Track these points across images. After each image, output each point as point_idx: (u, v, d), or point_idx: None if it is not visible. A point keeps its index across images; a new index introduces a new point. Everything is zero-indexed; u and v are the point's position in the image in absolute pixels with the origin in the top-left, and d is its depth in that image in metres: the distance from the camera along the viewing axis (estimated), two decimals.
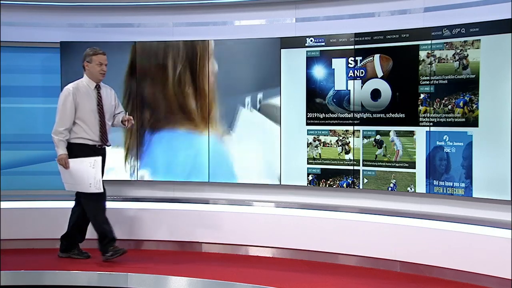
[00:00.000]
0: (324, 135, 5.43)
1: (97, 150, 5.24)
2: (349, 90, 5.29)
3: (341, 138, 5.36)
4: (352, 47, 5.27)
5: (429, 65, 4.90)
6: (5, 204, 5.60)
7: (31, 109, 6.14)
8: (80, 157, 5.15)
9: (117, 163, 5.87)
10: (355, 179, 5.31)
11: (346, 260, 5.35)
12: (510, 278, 4.40)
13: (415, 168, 5.02)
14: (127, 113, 5.45)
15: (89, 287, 4.98)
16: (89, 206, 5.23)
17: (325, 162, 5.44)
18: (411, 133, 5.03)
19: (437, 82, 4.87)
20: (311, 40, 5.43)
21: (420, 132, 4.98)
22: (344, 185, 5.37)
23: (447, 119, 4.82)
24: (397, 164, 5.11)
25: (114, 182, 5.71)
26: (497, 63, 4.56)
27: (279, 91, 5.54)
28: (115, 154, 5.79)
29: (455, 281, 4.77)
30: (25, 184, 6.10)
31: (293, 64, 5.51)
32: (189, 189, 5.94)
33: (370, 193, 5.31)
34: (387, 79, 5.12)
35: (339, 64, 5.33)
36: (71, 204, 5.53)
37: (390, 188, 5.16)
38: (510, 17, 4.48)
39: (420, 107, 4.97)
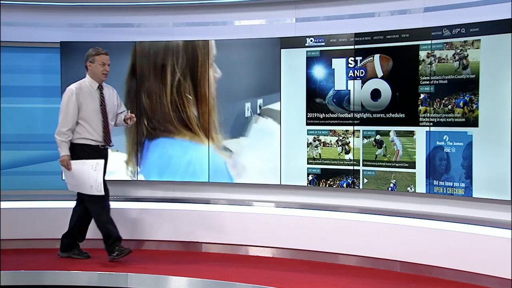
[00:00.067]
0: (324, 135, 5.43)
1: (100, 151, 5.24)
2: (349, 90, 5.29)
3: (341, 138, 5.36)
4: (352, 47, 5.27)
5: (429, 65, 4.90)
6: (5, 204, 5.60)
7: (31, 109, 6.14)
8: (83, 158, 5.15)
9: (118, 166, 5.86)
10: (355, 179, 5.31)
11: (346, 260, 5.35)
12: (510, 278, 4.40)
13: (415, 168, 5.02)
14: (129, 111, 5.45)
15: (89, 287, 4.98)
16: (93, 207, 5.23)
17: (325, 162, 5.44)
18: (411, 133, 5.03)
19: (437, 82, 4.87)
20: (311, 40, 5.43)
21: (420, 132, 4.98)
22: (344, 185, 5.37)
23: (447, 119, 4.82)
24: (397, 164, 5.11)
25: (114, 182, 5.71)
26: (497, 63, 4.56)
27: (279, 92, 5.54)
28: (116, 157, 5.79)
29: (455, 281, 4.77)
30: (25, 184, 6.10)
31: (293, 64, 5.51)
32: (189, 189, 5.94)
33: (370, 193, 5.31)
34: (387, 79, 5.12)
35: (339, 64, 5.33)
36: (71, 204, 5.53)
37: (390, 188, 5.16)
38: (510, 17, 4.48)
39: (420, 107, 4.97)
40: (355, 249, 5.29)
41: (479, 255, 4.63)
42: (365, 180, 5.27)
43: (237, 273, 5.04)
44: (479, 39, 4.63)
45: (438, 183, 4.90)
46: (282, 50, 5.53)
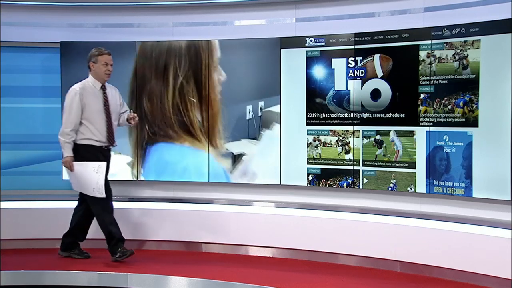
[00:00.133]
0: (324, 135, 5.43)
1: (103, 152, 5.24)
2: (349, 90, 5.29)
3: (341, 138, 5.36)
4: (352, 47, 5.27)
5: (429, 65, 4.90)
6: (5, 204, 5.60)
7: (31, 109, 6.14)
8: (87, 158, 5.14)
9: (120, 168, 5.87)
10: (355, 179, 5.31)
11: (346, 260, 5.35)
12: (510, 278, 4.40)
13: (415, 168, 5.02)
14: (131, 110, 5.45)
15: (89, 287, 4.98)
16: (96, 208, 5.22)
17: (325, 162, 5.44)
18: (411, 133, 5.03)
19: (437, 82, 4.87)
20: (311, 40, 5.43)
21: (420, 132, 4.98)
22: (344, 185, 5.37)
23: (447, 119, 4.82)
24: (397, 164, 5.11)
25: (114, 182, 5.69)
26: (497, 63, 4.56)
27: (279, 92, 5.54)
28: (118, 159, 5.80)
29: (455, 281, 4.77)
30: (25, 184, 6.09)
31: (293, 64, 5.51)
32: (189, 189, 5.94)
33: (370, 193, 5.31)
34: (387, 79, 5.12)
35: (339, 64, 5.33)
36: (71, 204, 5.54)
37: (390, 188, 5.16)
38: (510, 17, 4.48)
39: (420, 107, 4.97)
40: (355, 249, 5.29)
41: (479, 255, 4.63)
42: (365, 180, 5.27)
43: (237, 273, 5.04)
44: (479, 39, 4.63)
45: (438, 183, 4.90)
46: (282, 50, 5.53)
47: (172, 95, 5.79)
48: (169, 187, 5.96)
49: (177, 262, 5.40)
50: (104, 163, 5.15)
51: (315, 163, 5.47)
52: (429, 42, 4.89)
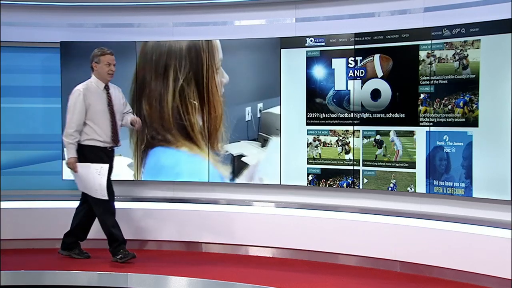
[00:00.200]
0: (324, 135, 5.43)
1: (107, 152, 5.23)
2: (349, 90, 5.29)
3: (341, 138, 5.36)
4: (352, 47, 5.27)
5: (429, 65, 4.90)
6: (5, 204, 5.60)
7: (31, 109, 6.14)
8: (91, 159, 5.13)
9: (121, 170, 5.87)
10: (355, 179, 5.31)
11: (346, 260, 5.35)
12: (510, 278, 4.40)
13: (415, 168, 5.02)
14: (134, 113, 5.44)
15: (89, 287, 4.98)
16: (98, 209, 5.22)
17: (325, 162, 5.44)
18: (411, 133, 5.03)
19: (437, 82, 4.87)
20: (311, 40, 5.43)
21: (420, 132, 4.98)
22: (344, 185, 5.37)
23: (447, 119, 4.82)
24: (397, 164, 5.11)
25: (114, 182, 5.69)
26: (497, 63, 4.56)
27: (279, 93, 5.54)
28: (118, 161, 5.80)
29: (455, 281, 4.77)
30: (25, 184, 6.09)
31: (293, 64, 5.51)
32: (189, 189, 5.94)
33: (370, 193, 5.30)
34: (387, 79, 5.12)
35: (339, 64, 5.33)
36: (71, 204, 5.54)
37: (390, 188, 5.16)
38: (510, 17, 4.48)
39: (420, 107, 4.96)
40: (355, 249, 5.29)
41: (479, 255, 4.63)
42: (365, 180, 5.27)
43: (237, 273, 5.04)
44: (479, 39, 4.63)
45: (438, 183, 4.90)
46: (282, 50, 5.53)
47: (172, 98, 5.78)
48: (169, 187, 5.96)
49: (177, 262, 5.40)
50: (107, 165, 5.15)
51: (315, 163, 5.47)
52: (429, 42, 4.89)
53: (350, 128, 5.31)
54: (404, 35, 5.03)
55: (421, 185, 4.99)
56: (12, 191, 5.92)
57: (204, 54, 5.71)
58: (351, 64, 5.28)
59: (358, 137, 5.28)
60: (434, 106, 4.88)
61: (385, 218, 5.18)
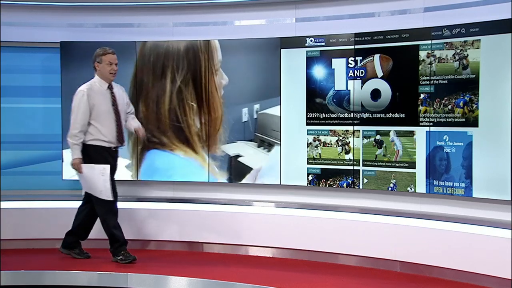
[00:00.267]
0: (324, 135, 5.43)
1: (112, 153, 5.23)
2: (349, 90, 5.29)
3: (341, 138, 5.36)
4: (352, 47, 5.27)
5: (429, 65, 4.90)
6: (5, 204, 5.60)
7: (31, 109, 6.14)
8: (96, 159, 5.12)
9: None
10: (355, 179, 5.31)
11: (346, 260, 5.35)
12: (510, 278, 4.40)
13: (415, 168, 5.02)
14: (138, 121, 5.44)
15: (89, 287, 4.98)
16: (101, 210, 5.21)
17: (325, 162, 5.44)
18: (411, 133, 5.03)
19: (437, 82, 4.87)
20: (311, 40, 5.43)
21: (420, 132, 4.98)
22: (344, 185, 5.37)
23: (447, 119, 4.82)
24: (397, 164, 5.11)
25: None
26: (497, 63, 4.56)
27: (279, 93, 5.54)
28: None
29: (455, 281, 4.77)
30: (25, 184, 6.10)
31: (293, 64, 5.50)
32: (189, 189, 5.94)
33: (370, 193, 5.30)
34: (387, 79, 5.12)
35: (339, 64, 5.33)
36: (71, 204, 5.55)
37: (390, 188, 5.16)
38: (510, 17, 4.48)
39: (420, 107, 4.96)
40: (355, 249, 5.29)
41: (479, 255, 4.63)
42: (365, 180, 5.27)
43: (237, 273, 5.04)
44: (479, 39, 4.63)
45: (438, 183, 4.90)
46: (282, 50, 5.53)
47: (169, 99, 5.77)
48: (169, 187, 5.96)
49: (177, 262, 5.40)
50: (108, 166, 5.13)
51: (315, 163, 5.47)
52: (429, 42, 4.89)
53: (350, 128, 5.31)
54: (404, 35, 5.03)
55: (421, 185, 4.99)
56: (12, 191, 5.92)
57: (203, 55, 5.71)
58: (351, 64, 5.28)
59: (358, 137, 5.28)
60: (434, 106, 4.88)
61: (385, 218, 5.18)
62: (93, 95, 5.16)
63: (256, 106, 5.62)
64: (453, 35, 4.76)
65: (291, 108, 5.53)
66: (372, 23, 5.27)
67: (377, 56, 5.16)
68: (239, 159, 5.70)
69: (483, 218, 4.71)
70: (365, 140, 5.26)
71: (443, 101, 4.83)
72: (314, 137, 5.46)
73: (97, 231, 5.37)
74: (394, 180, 5.12)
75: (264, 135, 5.62)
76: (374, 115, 5.19)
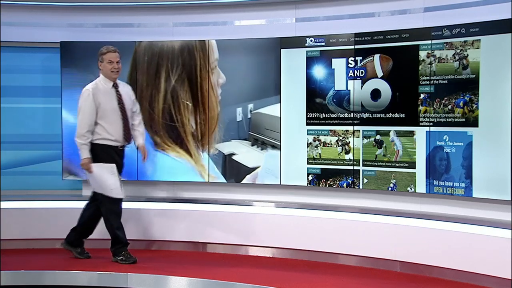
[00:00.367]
0: (324, 135, 5.43)
1: (118, 151, 5.23)
2: (349, 90, 5.29)
3: (341, 138, 5.36)
4: (352, 47, 5.27)
5: (429, 65, 4.90)
6: (5, 204, 5.59)
7: (31, 109, 6.15)
8: (103, 158, 5.12)
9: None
10: (355, 179, 5.31)
11: (346, 260, 5.35)
12: (510, 278, 4.40)
13: (415, 168, 5.02)
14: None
15: (89, 287, 4.98)
16: (106, 209, 5.20)
17: (325, 162, 5.44)
18: (411, 133, 5.03)
19: (437, 82, 4.87)
20: (311, 40, 5.43)
21: (420, 132, 4.98)
22: (344, 185, 5.37)
23: (447, 119, 4.82)
24: (397, 164, 5.11)
25: None
26: (497, 63, 4.56)
27: (278, 93, 5.54)
28: None
29: (455, 281, 4.77)
30: (25, 184, 6.10)
31: (293, 64, 5.51)
32: (189, 189, 5.94)
33: (370, 193, 5.31)
34: (387, 79, 5.12)
35: (339, 64, 5.33)
36: (71, 204, 5.56)
37: (390, 188, 5.16)
38: (510, 17, 4.48)
39: (420, 107, 4.96)
40: (355, 249, 5.29)
41: (479, 255, 4.63)
42: (365, 180, 5.27)
43: (237, 273, 5.04)
44: (479, 39, 4.63)
45: (438, 183, 4.90)
46: (282, 50, 5.53)
47: (163, 99, 5.77)
48: (169, 187, 5.96)
49: (177, 262, 5.40)
50: (114, 164, 5.13)
51: (315, 163, 5.47)
52: (429, 42, 4.89)
53: (350, 128, 5.31)
54: (404, 35, 5.03)
55: (421, 185, 4.99)
56: (12, 191, 5.93)
57: (198, 54, 5.71)
58: (351, 64, 5.28)
59: (358, 137, 5.28)
60: (434, 106, 4.88)
61: (385, 218, 5.17)
62: (99, 94, 5.15)
63: (250, 106, 5.63)
64: (453, 35, 4.76)
65: (291, 108, 5.53)
66: (372, 23, 5.27)
67: (377, 56, 5.16)
68: (233, 157, 5.71)
69: (483, 218, 4.71)
70: (365, 140, 5.26)
71: (443, 101, 4.83)
72: (314, 137, 5.46)
73: (97, 231, 5.37)
74: (394, 180, 5.12)
75: (258, 134, 5.63)
76: (374, 115, 5.19)
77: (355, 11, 5.38)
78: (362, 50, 5.23)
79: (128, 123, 5.25)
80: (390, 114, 5.12)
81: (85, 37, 5.90)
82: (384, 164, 5.17)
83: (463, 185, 4.75)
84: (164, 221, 5.87)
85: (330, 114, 5.39)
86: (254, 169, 5.67)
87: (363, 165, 5.27)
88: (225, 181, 5.77)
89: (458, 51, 4.74)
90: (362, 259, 5.28)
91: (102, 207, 5.22)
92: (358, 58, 5.24)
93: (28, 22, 5.99)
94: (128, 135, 5.25)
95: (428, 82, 4.91)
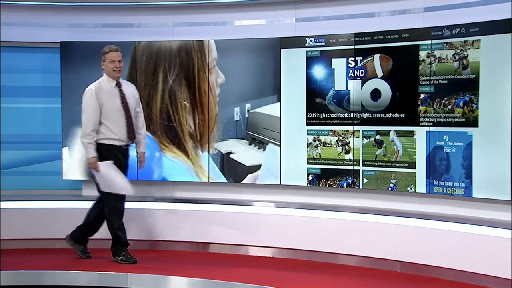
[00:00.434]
0: (324, 135, 5.43)
1: (123, 151, 5.22)
2: (349, 90, 5.29)
3: (341, 138, 5.36)
4: (352, 47, 5.27)
5: (429, 65, 4.90)
6: (5, 204, 5.59)
7: (31, 109, 6.15)
8: (107, 157, 5.11)
9: None
10: (355, 179, 5.31)
11: (346, 260, 5.35)
12: (510, 278, 4.40)
13: (415, 168, 5.02)
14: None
15: (89, 287, 4.98)
16: (109, 208, 5.20)
17: (325, 162, 5.44)
18: (411, 133, 5.03)
19: (437, 82, 4.87)
20: (311, 40, 5.43)
21: (420, 132, 4.98)
22: (344, 185, 5.37)
23: (447, 119, 4.82)
24: (397, 164, 5.11)
25: None
26: (497, 63, 4.56)
27: (275, 93, 5.54)
28: None
29: (455, 281, 4.77)
30: (25, 184, 6.10)
31: (293, 64, 5.51)
32: (189, 189, 5.94)
33: (370, 193, 5.31)
34: (387, 79, 5.12)
35: (339, 64, 5.33)
36: (71, 204, 5.54)
37: (390, 188, 5.16)
38: (510, 17, 4.48)
39: (420, 107, 4.96)
40: (355, 249, 5.29)
41: (479, 255, 4.63)
42: (365, 180, 5.27)
43: (237, 273, 5.04)
44: (479, 39, 4.63)
45: (438, 183, 4.90)
46: (282, 50, 5.53)
47: (161, 99, 5.77)
48: (169, 187, 5.96)
49: (177, 262, 5.40)
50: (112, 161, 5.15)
51: (315, 163, 5.47)
52: (429, 42, 4.89)
53: (350, 128, 5.31)
54: (404, 35, 5.03)
55: (421, 185, 4.99)
56: (12, 191, 5.93)
57: (195, 55, 5.70)
58: (351, 64, 5.28)
59: (358, 137, 5.28)
60: (434, 106, 4.88)
61: (385, 218, 5.17)
62: (102, 94, 5.14)
63: (248, 105, 5.64)
64: (453, 35, 4.76)
65: (291, 108, 5.53)
66: (372, 23, 5.27)
67: (377, 56, 5.16)
68: (231, 155, 5.71)
69: (483, 218, 4.71)
70: (365, 140, 5.26)
71: (443, 101, 4.83)
72: (314, 137, 5.46)
73: (99, 232, 5.37)
74: (394, 180, 5.12)
75: (255, 133, 5.63)
76: (374, 115, 5.19)
77: (355, 11, 5.38)
78: (362, 50, 5.23)
79: (132, 122, 5.24)
80: (390, 114, 5.12)
81: (85, 37, 5.90)
82: (384, 164, 5.17)
83: (463, 185, 4.75)
84: (163, 221, 5.87)
85: (330, 114, 5.39)
86: (253, 168, 5.67)
87: (363, 165, 5.27)
88: (225, 181, 5.77)
89: (458, 51, 4.74)
90: (362, 259, 5.28)
91: (106, 206, 5.22)
92: (358, 58, 5.24)
93: (28, 22, 5.99)
94: (132, 135, 5.24)
95: (428, 82, 4.91)
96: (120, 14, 5.98)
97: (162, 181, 5.92)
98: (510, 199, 4.51)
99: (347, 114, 5.31)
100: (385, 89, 5.13)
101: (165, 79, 5.75)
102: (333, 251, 5.39)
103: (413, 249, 5.00)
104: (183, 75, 5.73)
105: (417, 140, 5.00)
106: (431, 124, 4.91)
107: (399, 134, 5.09)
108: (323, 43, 5.38)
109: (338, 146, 5.38)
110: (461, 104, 4.74)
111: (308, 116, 5.47)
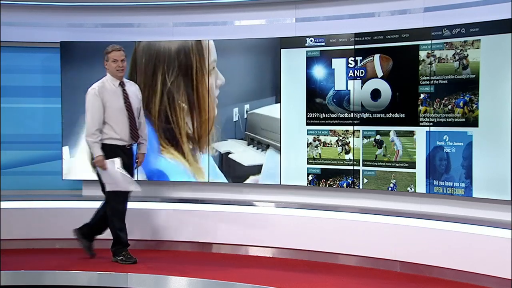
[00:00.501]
0: (324, 135, 5.43)
1: (126, 151, 5.22)
2: (349, 90, 5.29)
3: (341, 138, 5.36)
4: (352, 47, 5.27)
5: (429, 65, 4.90)
6: (5, 204, 5.59)
7: (31, 109, 6.15)
8: (110, 157, 5.10)
9: None
10: (355, 179, 5.31)
11: (346, 260, 5.35)
12: (510, 278, 4.40)
13: (415, 168, 5.02)
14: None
15: (89, 287, 4.98)
16: (111, 207, 5.20)
17: (325, 162, 5.44)
18: (411, 133, 5.03)
19: (437, 82, 4.87)
20: (311, 40, 5.43)
21: (420, 132, 4.98)
22: (344, 185, 5.37)
23: (447, 119, 4.82)
24: (397, 164, 5.11)
25: None
26: (497, 63, 4.56)
27: (274, 94, 5.54)
28: None
29: (455, 281, 4.77)
30: (25, 184, 6.10)
31: (293, 64, 5.51)
32: (189, 189, 5.94)
33: (370, 193, 5.31)
34: (387, 79, 5.12)
35: (339, 64, 5.33)
36: (71, 204, 5.54)
37: (390, 188, 5.16)
38: (510, 17, 4.48)
39: (420, 107, 4.96)
40: (355, 249, 5.29)
41: (479, 255, 4.63)
42: (365, 180, 5.27)
43: (237, 273, 5.04)
44: (479, 39, 4.63)
45: (438, 183, 4.90)
46: (282, 50, 5.53)
47: (160, 101, 5.77)
48: (169, 187, 5.96)
49: (177, 262, 5.39)
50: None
51: (315, 163, 5.47)
52: (429, 42, 4.89)
53: (350, 128, 5.31)
54: (404, 35, 5.03)
55: (421, 185, 4.99)
56: (12, 191, 5.93)
57: (194, 57, 5.70)
58: (351, 64, 5.28)
59: (358, 137, 5.28)
60: (434, 106, 4.89)
61: (385, 218, 5.17)
62: (105, 93, 5.14)
63: (246, 106, 5.64)
64: (453, 35, 4.76)
65: (291, 108, 5.53)
66: (372, 23, 5.28)
67: (377, 56, 5.16)
68: (230, 155, 5.71)
69: (483, 218, 4.71)
70: (365, 140, 5.26)
71: (443, 101, 4.83)
72: (314, 137, 5.46)
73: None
74: (394, 180, 5.12)
75: (254, 134, 5.63)
76: (374, 115, 5.19)
77: (355, 11, 5.38)
78: (362, 50, 5.23)
79: (135, 122, 5.24)
80: (390, 114, 5.12)
81: (85, 37, 5.90)
82: (384, 164, 5.17)
83: (463, 185, 4.75)
84: (163, 221, 5.87)
85: (330, 114, 5.39)
86: (253, 169, 5.67)
87: (363, 165, 5.27)
88: (225, 180, 5.77)
89: (458, 51, 4.74)
90: (362, 259, 5.28)
91: (108, 206, 5.22)
92: (358, 58, 5.24)
93: (28, 22, 5.99)
94: (135, 134, 5.23)
95: (428, 82, 4.91)
96: (120, 14, 5.98)
97: (162, 181, 5.92)
98: (510, 199, 4.51)
99: (347, 114, 5.32)
100: (385, 89, 5.13)
101: (164, 81, 5.74)
102: (333, 251, 5.39)
103: (413, 249, 5.00)
104: (182, 77, 5.73)
105: (417, 140, 5.00)
106: (431, 124, 4.91)
107: (399, 134, 5.09)
108: (323, 43, 5.38)
109: (338, 146, 5.38)
110: (461, 104, 4.74)
111: (308, 116, 5.47)
